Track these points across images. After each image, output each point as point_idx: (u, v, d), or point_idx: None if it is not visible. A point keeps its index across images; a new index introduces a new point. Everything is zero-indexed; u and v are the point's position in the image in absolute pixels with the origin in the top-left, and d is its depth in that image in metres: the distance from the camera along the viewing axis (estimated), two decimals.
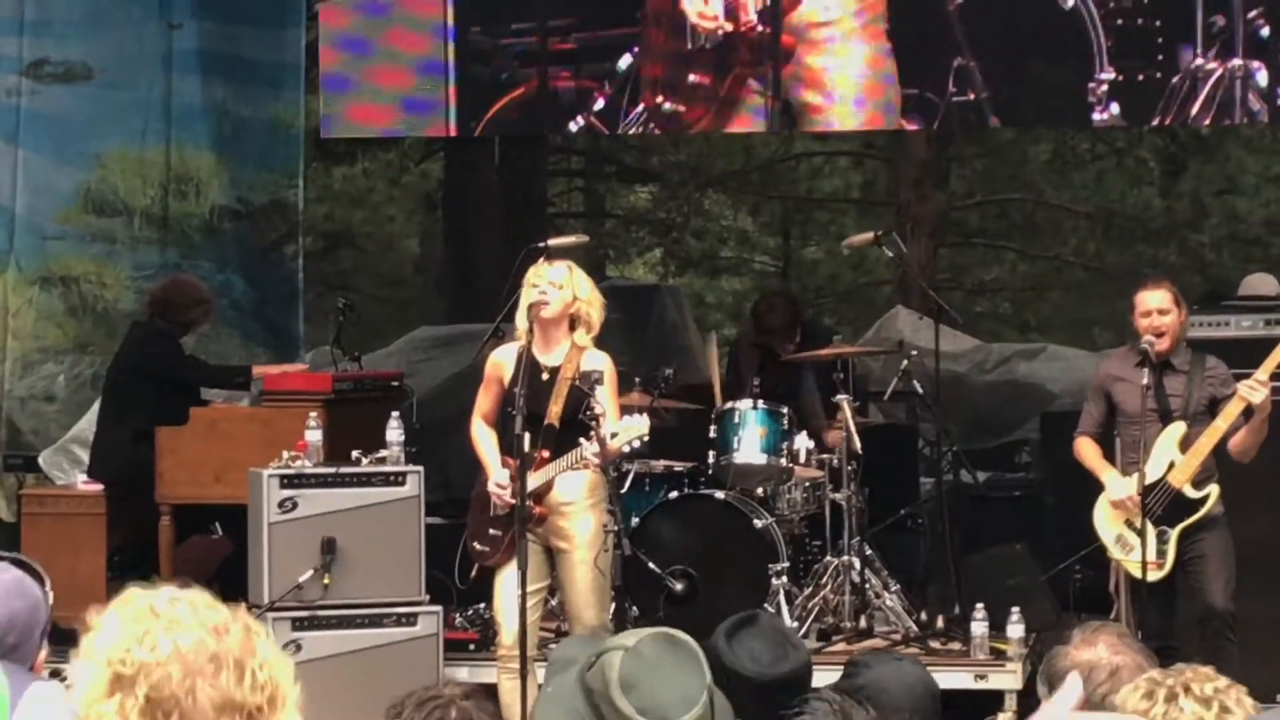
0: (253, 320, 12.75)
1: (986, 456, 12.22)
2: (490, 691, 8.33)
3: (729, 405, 9.71)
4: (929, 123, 11.53)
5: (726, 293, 22.82)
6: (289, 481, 8.55)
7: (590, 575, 7.99)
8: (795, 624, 9.03)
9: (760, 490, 9.61)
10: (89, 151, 12.00)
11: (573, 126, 11.91)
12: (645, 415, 7.84)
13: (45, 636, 4.28)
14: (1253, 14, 10.50)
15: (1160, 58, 10.67)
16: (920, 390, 9.99)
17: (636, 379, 9.98)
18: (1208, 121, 11.30)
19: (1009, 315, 21.49)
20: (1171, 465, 8.24)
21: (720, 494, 9.43)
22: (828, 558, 9.56)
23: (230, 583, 9.23)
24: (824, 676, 4.75)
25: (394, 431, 8.70)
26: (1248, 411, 8.10)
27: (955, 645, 9.16)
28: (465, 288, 17.20)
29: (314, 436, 8.69)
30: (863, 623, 9.32)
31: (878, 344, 12.43)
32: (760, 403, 9.64)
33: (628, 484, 9.51)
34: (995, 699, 8.68)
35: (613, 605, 8.28)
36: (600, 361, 7.99)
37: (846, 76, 11.01)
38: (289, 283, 13.10)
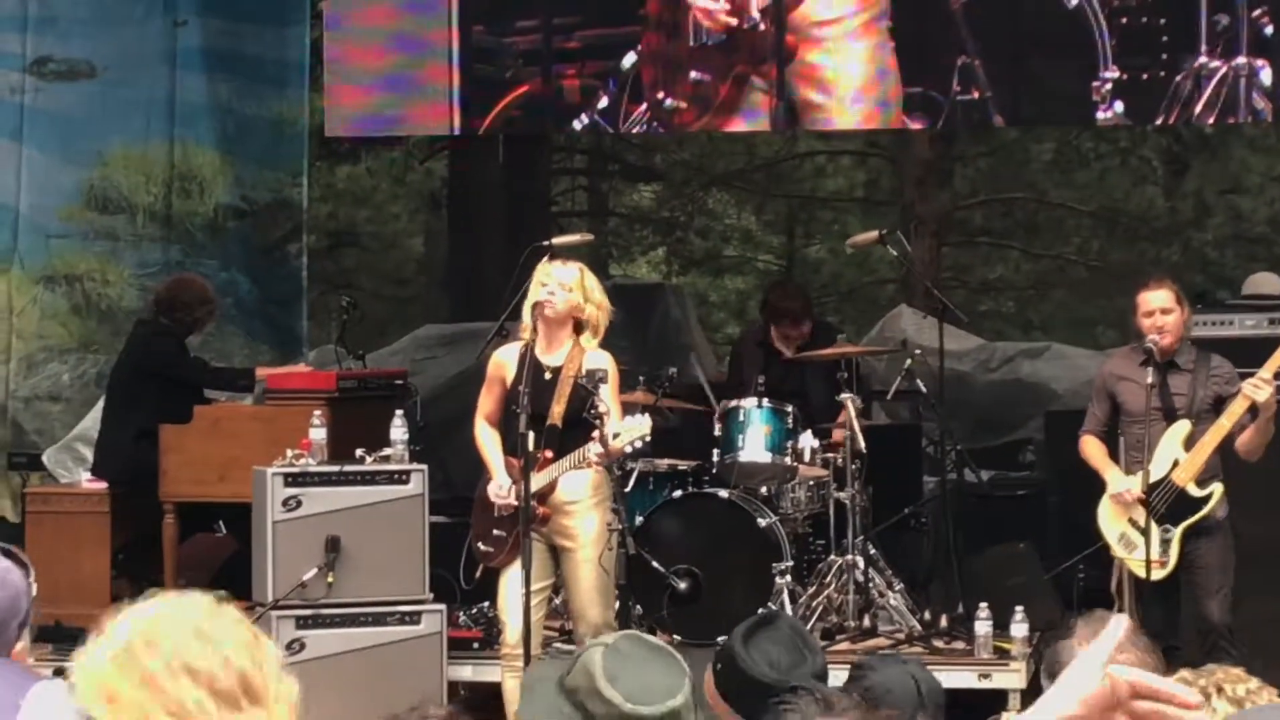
0: (256, 319, 12.75)
1: (990, 455, 12.21)
2: (494, 690, 8.34)
3: (733, 404, 9.71)
4: (933, 121, 11.53)
5: (730, 292, 22.81)
6: (293, 480, 8.55)
7: (594, 574, 8.00)
8: None
9: (764, 489, 9.60)
10: (92, 149, 12.01)
11: (576, 125, 11.91)
12: (647, 415, 7.84)
13: (24, 628, 4.25)
14: (1257, 12, 10.50)
15: (1164, 56, 10.66)
16: (924, 389, 9.98)
17: (640, 378, 9.98)
18: (1211, 120, 11.29)
19: (1012, 314, 21.48)
20: (1175, 464, 8.24)
21: (724, 493, 9.42)
22: (831, 557, 9.56)
23: (234, 581, 9.24)
24: (833, 678, 4.74)
25: (398, 430, 8.69)
26: (1253, 411, 8.10)
27: (959, 644, 9.15)
28: (469, 286, 17.20)
29: (318, 435, 8.68)
30: (866, 622, 9.31)
31: (881, 343, 12.43)
32: (764, 401, 9.64)
33: (632, 483, 9.51)
34: (999, 698, 8.68)
35: (617, 604, 8.29)
36: (602, 360, 7.99)
37: (849, 75, 11.01)
38: (293, 281, 13.10)
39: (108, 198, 12.09)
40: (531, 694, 3.92)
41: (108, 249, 12.04)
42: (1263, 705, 3.45)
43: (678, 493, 9.53)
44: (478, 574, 8.63)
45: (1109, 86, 10.68)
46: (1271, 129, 17.13)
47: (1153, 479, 8.16)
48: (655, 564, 8.91)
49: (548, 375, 8.00)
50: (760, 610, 8.71)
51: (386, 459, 8.67)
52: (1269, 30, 10.50)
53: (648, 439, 7.81)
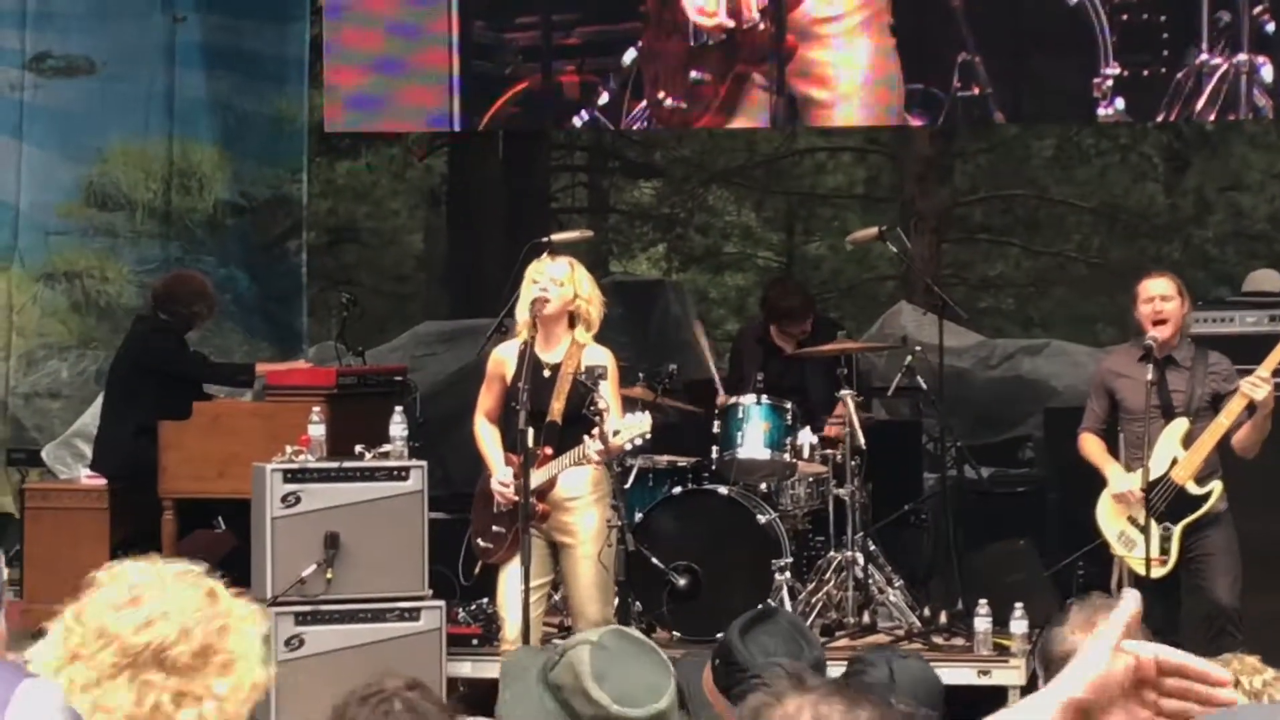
0: (256, 315, 12.74)
1: (990, 452, 12.20)
2: (492, 686, 8.32)
3: (733, 400, 9.70)
4: (933, 118, 11.52)
5: (730, 288, 22.80)
6: (292, 476, 8.54)
7: (594, 570, 7.99)
8: None
9: (764, 485, 9.60)
10: (92, 145, 12.00)
11: (576, 122, 11.90)
12: (647, 413, 7.84)
13: None
14: (1258, 9, 10.50)
15: (1165, 53, 10.66)
16: (924, 386, 9.98)
17: (640, 374, 9.97)
18: (1212, 117, 11.28)
19: (1012, 311, 21.47)
20: (1174, 462, 8.23)
21: (724, 489, 9.42)
22: (831, 553, 9.55)
23: (233, 577, 9.23)
24: (831, 672, 4.73)
25: (397, 426, 8.68)
26: (1250, 408, 8.10)
27: (958, 641, 9.15)
28: (469, 283, 17.19)
29: (317, 431, 8.68)
30: (866, 618, 9.31)
31: (881, 340, 12.42)
32: (764, 398, 9.63)
33: (631, 479, 9.50)
34: (999, 695, 8.67)
35: (616, 600, 8.28)
36: (602, 357, 7.99)
37: (850, 72, 11.01)
38: (292, 278, 13.09)
39: (107, 194, 12.09)
40: (513, 685, 3.91)
41: (107, 246, 12.04)
42: (1244, 705, 3.44)
43: (677, 489, 9.53)
44: (476, 570, 8.62)
45: (1110, 83, 10.67)
46: (1272, 126, 17.12)
47: (1151, 477, 8.15)
48: (655, 560, 8.91)
49: (547, 372, 7.99)
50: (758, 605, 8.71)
51: (386, 455, 8.66)
52: (1270, 27, 10.50)
53: (647, 436, 7.81)
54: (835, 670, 4.80)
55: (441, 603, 8.74)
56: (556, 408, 7.97)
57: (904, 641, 9.08)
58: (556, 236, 9.00)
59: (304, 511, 8.51)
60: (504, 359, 8.15)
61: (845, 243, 16.43)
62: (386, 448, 8.67)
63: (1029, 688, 8.47)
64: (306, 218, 13.45)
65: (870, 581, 9.41)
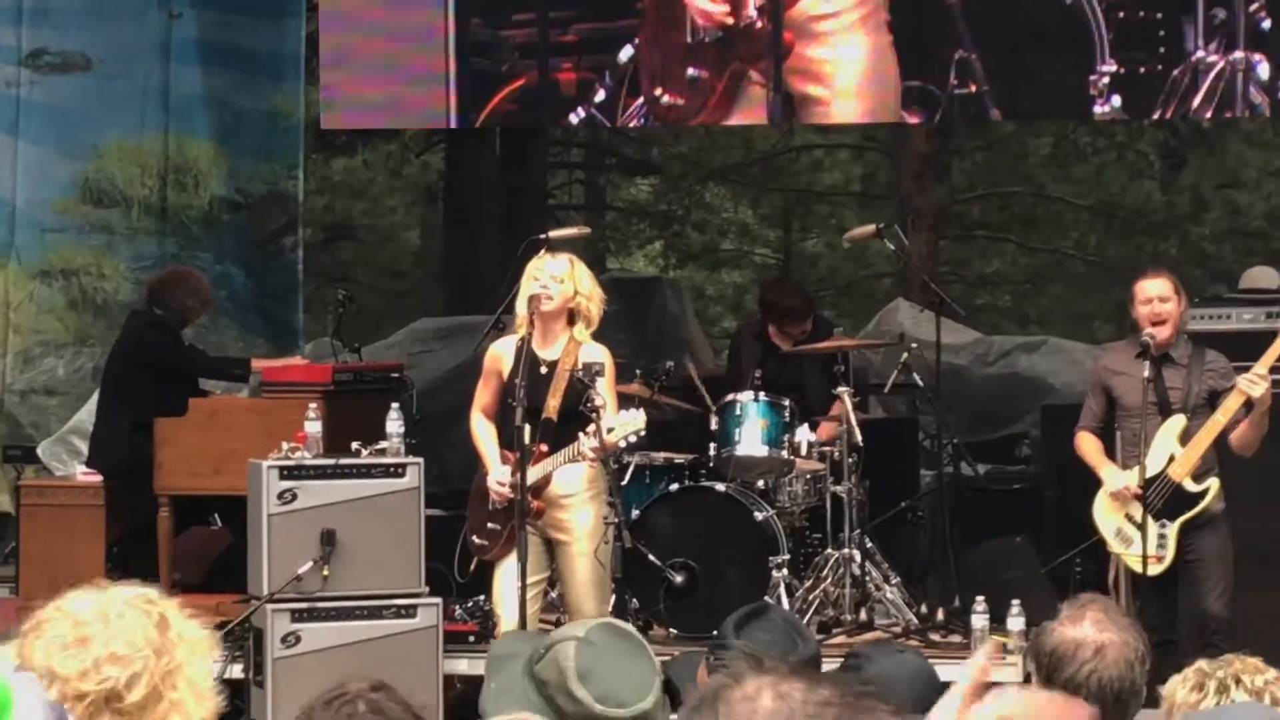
0: (252, 312, 12.74)
1: (987, 449, 12.20)
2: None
3: (730, 397, 9.70)
4: (930, 115, 11.52)
5: (727, 285, 22.80)
6: (288, 473, 8.53)
7: (590, 567, 7.98)
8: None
9: (761, 483, 9.59)
10: (88, 142, 12.00)
11: (573, 118, 11.90)
12: (641, 410, 7.84)
13: None
14: (1254, 6, 10.49)
15: (1161, 51, 10.66)
16: (921, 383, 9.98)
17: (637, 371, 9.96)
18: (1209, 114, 11.28)
19: (1009, 308, 21.48)
20: (1171, 459, 8.23)
21: (721, 486, 9.41)
22: (828, 550, 9.55)
23: (229, 574, 9.24)
24: (825, 668, 4.73)
25: (394, 423, 8.67)
26: (1248, 405, 8.09)
27: (955, 638, 9.14)
28: (465, 280, 17.20)
29: (314, 428, 8.66)
30: (863, 615, 9.31)
31: (878, 337, 12.42)
32: (761, 395, 9.63)
33: (628, 476, 9.49)
34: None
35: (613, 597, 8.27)
36: (599, 354, 7.98)
37: (847, 69, 11.00)
38: (288, 274, 13.09)
39: (103, 191, 12.08)
40: (498, 675, 3.89)
41: (103, 243, 12.03)
42: (1236, 703, 3.44)
43: (674, 486, 9.52)
44: (472, 567, 8.61)
45: (1106, 80, 10.67)
46: (1268, 123, 17.13)
47: (1149, 474, 8.15)
48: (652, 557, 8.90)
49: (543, 369, 7.99)
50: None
51: (382, 452, 8.65)
52: (1266, 24, 10.50)
53: (642, 433, 7.80)
54: (830, 666, 4.79)
55: (438, 600, 8.73)
56: (553, 405, 7.96)
57: (901, 638, 9.08)
58: (554, 233, 8.99)
59: (300, 508, 8.50)
60: (501, 355, 8.14)
61: (842, 240, 16.43)
62: (383, 444, 8.66)
63: (1025, 685, 8.47)
64: (302, 214, 13.45)
65: (867, 578, 9.40)
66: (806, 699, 2.14)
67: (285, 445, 8.65)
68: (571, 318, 8.05)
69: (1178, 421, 8.27)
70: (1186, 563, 8.23)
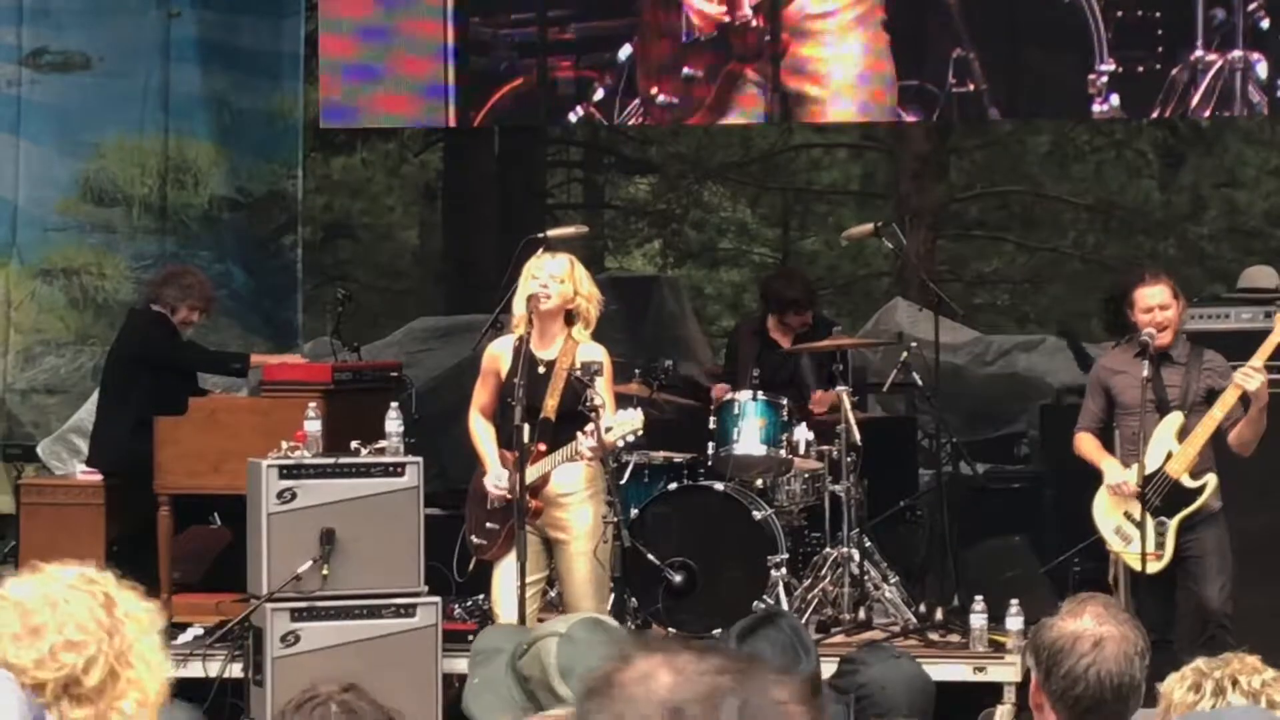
0: (251, 311, 12.74)
1: (985, 448, 12.21)
2: None
3: (729, 396, 9.71)
4: (928, 114, 11.53)
5: (725, 284, 22.81)
6: (288, 472, 8.53)
7: (589, 566, 7.99)
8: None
9: (759, 482, 9.60)
10: (88, 141, 12.01)
11: (572, 117, 11.90)
12: (639, 409, 7.84)
13: None
14: (1252, 6, 10.50)
15: (1160, 50, 10.67)
16: (919, 382, 9.98)
17: (636, 370, 9.97)
18: (1207, 114, 11.29)
19: (1008, 307, 21.49)
20: (1169, 456, 8.24)
21: (719, 485, 9.41)
22: (827, 549, 9.55)
23: (229, 573, 9.24)
24: (822, 669, 4.71)
25: (393, 422, 8.68)
26: (1246, 402, 8.10)
27: (954, 637, 9.15)
28: (464, 278, 17.20)
29: (313, 427, 8.67)
30: (862, 614, 9.31)
31: (877, 336, 12.43)
32: (759, 394, 9.63)
33: (627, 475, 9.50)
34: (994, 691, 8.68)
35: (611, 597, 8.28)
36: (597, 354, 7.99)
37: (844, 68, 11.01)
38: (288, 273, 13.10)
39: (104, 190, 12.09)
40: (481, 670, 3.90)
41: (104, 242, 12.04)
42: (1235, 707, 3.43)
43: (673, 485, 9.52)
44: (471, 566, 8.62)
45: (1105, 79, 10.68)
46: (1267, 122, 17.14)
47: (1147, 471, 8.16)
48: (650, 557, 8.90)
49: (541, 369, 7.99)
50: (758, 605, 8.71)
51: (381, 451, 8.65)
52: (1265, 24, 10.50)
53: (640, 433, 7.81)
54: (828, 669, 4.78)
55: (437, 599, 8.73)
56: (551, 404, 7.97)
57: (899, 638, 9.08)
58: (552, 232, 8.98)
59: (300, 507, 8.50)
60: (498, 354, 8.15)
61: (840, 239, 16.44)
62: (382, 444, 8.66)
63: (1024, 684, 8.49)
64: (302, 213, 13.45)
65: (866, 578, 9.41)
66: (701, 669, 2.16)
67: (285, 444, 8.65)
68: (569, 318, 8.05)
69: (1175, 418, 8.28)
70: (1185, 559, 8.24)
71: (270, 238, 13.04)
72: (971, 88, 10.87)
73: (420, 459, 8.71)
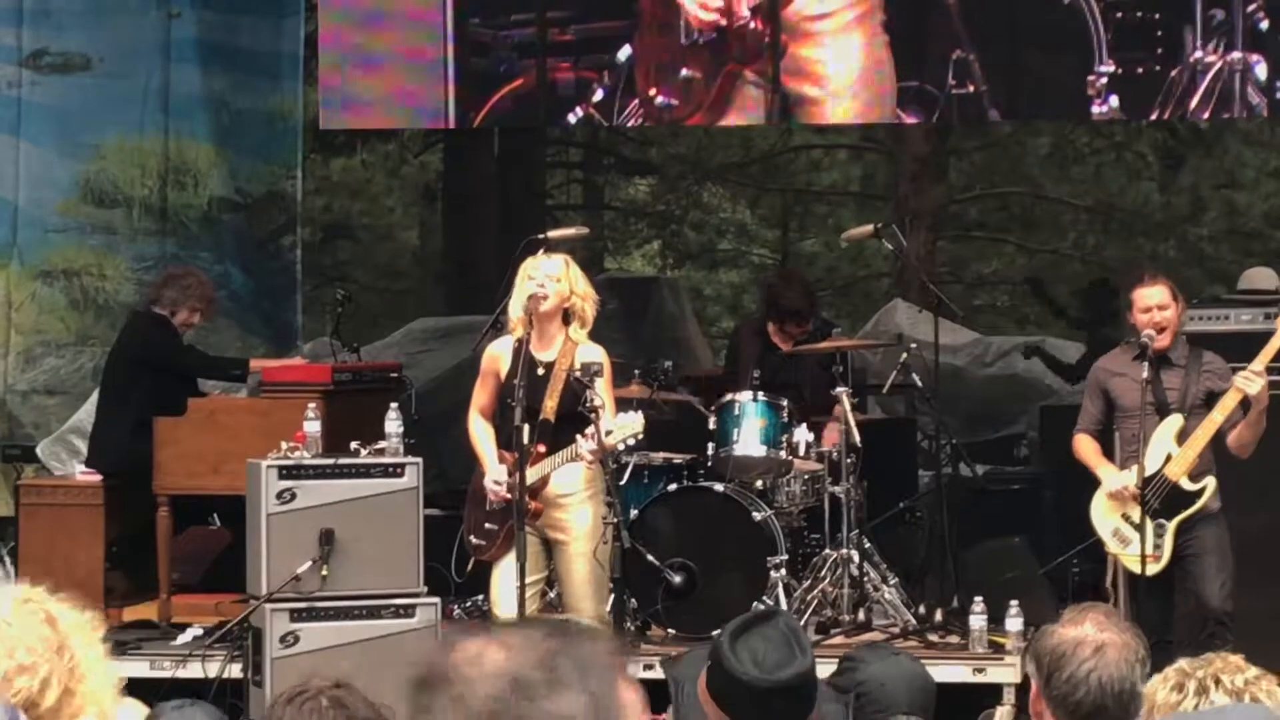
0: (251, 311, 12.75)
1: (985, 450, 12.21)
2: None
3: (728, 397, 9.71)
4: (928, 115, 11.53)
5: (725, 285, 22.81)
6: (287, 473, 8.53)
7: (588, 567, 7.99)
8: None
9: (759, 483, 9.60)
10: (89, 142, 12.01)
11: (571, 118, 11.91)
12: (640, 413, 7.84)
13: None
14: (1252, 7, 10.50)
15: (1160, 51, 10.67)
16: (919, 383, 9.98)
17: (636, 371, 9.97)
18: (1207, 115, 11.29)
19: (1007, 308, 21.49)
20: (1168, 458, 8.24)
21: (719, 486, 9.41)
22: (826, 550, 9.55)
23: (228, 574, 9.24)
24: (821, 670, 4.71)
25: (392, 423, 8.68)
26: (1245, 405, 8.11)
27: (953, 638, 9.15)
28: (463, 279, 17.21)
29: (312, 428, 8.67)
30: (861, 616, 9.31)
31: (876, 337, 12.43)
32: (760, 395, 9.63)
33: (626, 476, 9.49)
34: (993, 692, 8.68)
35: (611, 597, 8.28)
36: (596, 355, 7.99)
37: (844, 69, 11.01)
38: (287, 274, 13.10)
39: (104, 191, 12.09)
40: None
41: (104, 242, 12.04)
42: (1228, 705, 3.43)
43: (673, 486, 9.52)
44: (469, 567, 8.62)
45: (1104, 81, 10.68)
46: (1266, 124, 17.14)
47: (1146, 473, 8.16)
48: (650, 558, 8.91)
49: (541, 370, 7.99)
50: (758, 606, 8.70)
51: (381, 452, 8.65)
52: (1264, 25, 10.51)
53: (640, 436, 7.81)
54: (825, 670, 4.77)
55: (436, 599, 8.72)
56: (550, 405, 7.97)
57: (899, 639, 9.08)
58: (552, 233, 8.98)
59: (299, 508, 8.50)
60: (498, 355, 8.15)
61: (840, 240, 16.45)
62: (382, 444, 8.66)
63: (1023, 685, 8.49)
64: (301, 214, 13.46)
65: (865, 579, 9.41)
66: (527, 640, 2.19)
67: (284, 445, 8.65)
68: (566, 318, 8.05)
69: (1175, 421, 8.28)
70: (1185, 558, 8.24)
71: (270, 239, 13.04)
72: (971, 89, 10.87)
73: (420, 460, 8.70)
